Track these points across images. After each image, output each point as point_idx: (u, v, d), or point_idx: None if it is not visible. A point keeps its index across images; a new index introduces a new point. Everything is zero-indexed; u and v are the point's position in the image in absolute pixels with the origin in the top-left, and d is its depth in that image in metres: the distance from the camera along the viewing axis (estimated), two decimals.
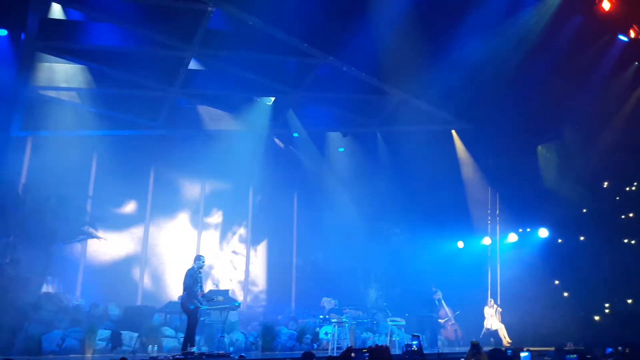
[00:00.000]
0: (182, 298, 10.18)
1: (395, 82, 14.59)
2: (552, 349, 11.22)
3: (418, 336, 9.26)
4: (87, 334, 11.15)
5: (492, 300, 15.71)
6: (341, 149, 18.49)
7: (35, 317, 11.28)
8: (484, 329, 15.12)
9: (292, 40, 12.54)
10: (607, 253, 15.53)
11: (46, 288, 12.92)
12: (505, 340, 14.72)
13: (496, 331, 14.94)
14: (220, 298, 11.14)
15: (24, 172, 13.90)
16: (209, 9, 11.30)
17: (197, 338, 11.89)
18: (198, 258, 10.45)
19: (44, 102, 13.54)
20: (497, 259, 16.89)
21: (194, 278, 10.03)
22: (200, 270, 10.30)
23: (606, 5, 12.97)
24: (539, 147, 17.69)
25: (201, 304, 10.10)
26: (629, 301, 15.38)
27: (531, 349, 9.08)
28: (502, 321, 15.27)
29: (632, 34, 13.82)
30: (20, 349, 10.58)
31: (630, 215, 16.32)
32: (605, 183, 16.82)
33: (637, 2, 13.12)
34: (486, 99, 15.06)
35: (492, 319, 15.22)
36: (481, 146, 17.08)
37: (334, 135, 18.19)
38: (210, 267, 16.97)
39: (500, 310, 15.38)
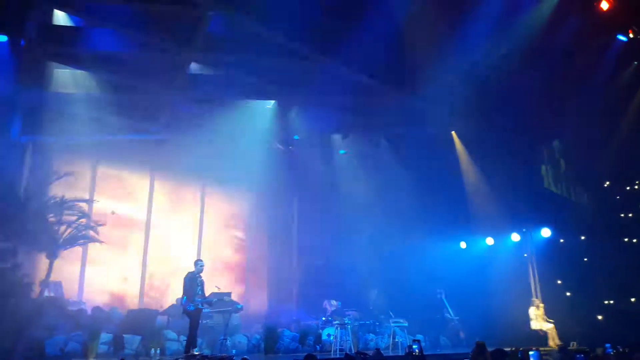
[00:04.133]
0: (181, 301, 10.34)
1: (396, 84, 14.62)
2: (556, 348, 11.24)
3: (419, 340, 9.29)
4: (90, 337, 11.14)
5: (537, 300, 15.16)
6: (342, 151, 18.49)
7: (38, 322, 11.22)
8: (531, 330, 14.54)
9: (292, 43, 12.58)
10: (608, 252, 15.55)
11: (48, 292, 12.89)
12: (554, 341, 14.10)
13: (545, 332, 14.39)
14: (227, 299, 11.22)
15: (25, 176, 13.88)
16: (209, 13, 11.35)
17: (199, 341, 11.92)
18: (197, 262, 10.58)
19: (44, 107, 13.53)
20: (533, 258, 16.44)
21: (192, 282, 10.20)
22: (200, 274, 10.39)
23: (604, 5, 12.99)
24: (540, 147, 17.72)
25: (202, 305, 10.19)
26: (632, 300, 15.39)
27: (536, 348, 9.10)
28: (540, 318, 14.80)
29: (631, 34, 13.85)
30: (23, 354, 10.56)
31: (630, 215, 16.37)
32: (607, 182, 16.86)
33: (634, 2, 13.12)
34: (486, 100, 15.08)
35: (539, 320, 14.62)
36: (481, 146, 17.09)
37: (335, 137, 18.19)
38: (212, 270, 16.98)
39: (544, 305, 14.85)
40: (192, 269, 10.50)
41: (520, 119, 15.48)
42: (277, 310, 16.85)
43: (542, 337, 14.37)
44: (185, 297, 10.15)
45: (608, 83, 14.62)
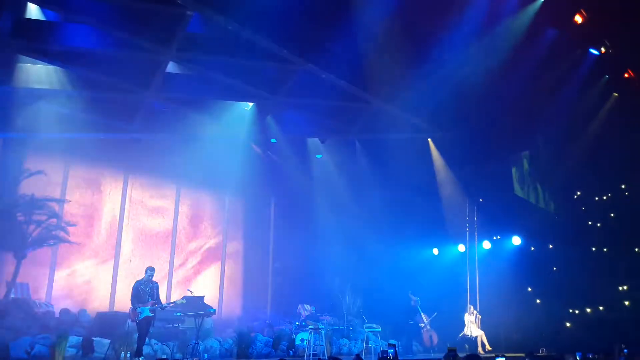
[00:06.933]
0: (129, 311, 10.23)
1: (373, 90, 14.71)
2: (524, 354, 11.42)
3: (394, 344, 9.30)
4: (57, 340, 10.86)
5: (472, 306, 15.83)
6: (319, 156, 18.51)
7: (3, 324, 10.96)
8: (461, 334, 15.18)
9: (271, 45, 12.54)
10: (577, 261, 15.91)
11: (14, 294, 12.57)
12: (486, 346, 14.78)
13: (475, 338, 15.03)
14: (199, 302, 11.05)
15: None
16: (188, 12, 11.24)
17: (170, 344, 11.82)
18: (147, 270, 10.43)
19: (16, 103, 13.20)
20: (476, 266, 17.07)
21: (137, 291, 10.10)
22: (150, 280, 10.27)
23: (578, 19, 13.33)
24: (513, 157, 18.05)
25: (151, 312, 10.00)
26: (600, 308, 15.77)
27: (505, 354, 9.23)
28: (482, 328, 15.40)
29: (603, 49, 14.22)
30: None
31: (598, 224, 16.79)
32: (578, 193, 17.27)
33: (606, 17, 13.46)
34: (462, 109, 15.28)
35: (472, 326, 15.29)
36: (456, 154, 17.32)
37: (312, 141, 18.20)
38: (185, 273, 16.79)
39: (480, 317, 15.49)
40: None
41: (494, 128, 15.73)
42: (250, 315, 16.74)
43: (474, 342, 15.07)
44: (131, 308, 10.03)
45: (580, 95, 14.98)
